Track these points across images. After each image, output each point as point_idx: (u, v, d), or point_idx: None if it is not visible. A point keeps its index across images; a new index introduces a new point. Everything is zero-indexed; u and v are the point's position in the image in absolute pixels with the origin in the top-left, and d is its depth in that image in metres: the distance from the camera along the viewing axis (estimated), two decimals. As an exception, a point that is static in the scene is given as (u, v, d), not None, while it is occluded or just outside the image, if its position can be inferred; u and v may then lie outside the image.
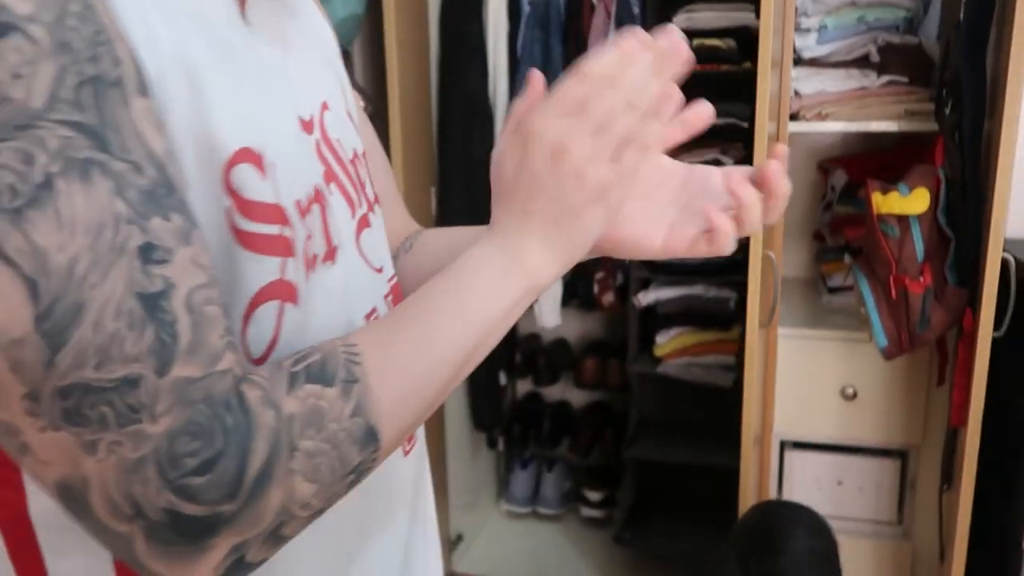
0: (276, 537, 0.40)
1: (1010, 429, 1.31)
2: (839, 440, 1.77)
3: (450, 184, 1.88)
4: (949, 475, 1.53)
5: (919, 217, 1.36)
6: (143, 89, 0.39)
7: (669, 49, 0.46)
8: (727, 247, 0.50)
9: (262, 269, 0.45)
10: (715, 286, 1.87)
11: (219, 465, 0.37)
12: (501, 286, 0.47)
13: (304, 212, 0.48)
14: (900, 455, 1.77)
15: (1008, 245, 1.43)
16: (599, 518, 2.26)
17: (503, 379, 2.23)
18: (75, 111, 0.35)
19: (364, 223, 0.57)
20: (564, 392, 2.38)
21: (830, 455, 1.80)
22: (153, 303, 0.37)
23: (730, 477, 1.60)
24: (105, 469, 0.36)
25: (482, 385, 2.15)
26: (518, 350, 2.23)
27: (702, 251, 0.51)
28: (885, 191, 1.40)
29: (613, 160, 0.46)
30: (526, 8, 1.85)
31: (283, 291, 0.46)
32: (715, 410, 2.07)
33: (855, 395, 1.72)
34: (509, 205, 0.49)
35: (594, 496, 2.26)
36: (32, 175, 0.34)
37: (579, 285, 2.04)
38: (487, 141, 1.88)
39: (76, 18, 0.36)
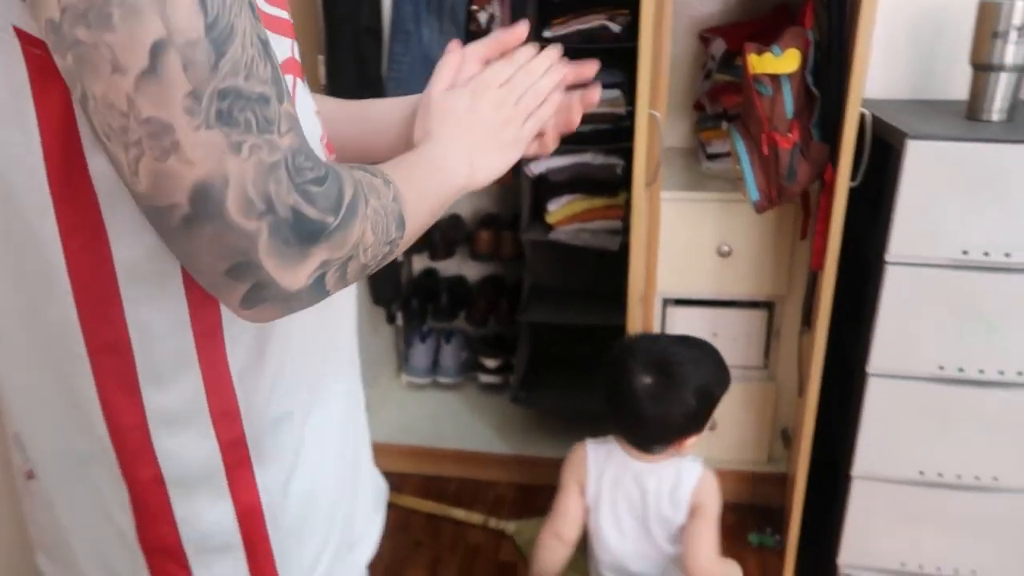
0: (343, 270, 0.50)
1: (859, 271, 1.47)
2: (715, 295, 1.92)
3: (338, 52, 1.82)
4: (808, 319, 1.70)
5: (790, 76, 1.45)
6: None
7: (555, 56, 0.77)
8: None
9: (280, 48, 0.52)
10: (603, 153, 1.93)
11: (327, 183, 0.47)
12: (455, 176, 0.65)
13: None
14: (767, 306, 1.95)
15: (870, 105, 1.55)
16: (496, 384, 2.38)
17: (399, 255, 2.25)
18: None
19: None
20: (460, 266, 2.43)
21: (707, 309, 1.95)
22: (265, 45, 0.45)
23: (618, 334, 1.71)
24: (247, 168, 0.43)
25: (378, 260, 2.17)
26: (413, 225, 2.25)
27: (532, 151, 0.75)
28: (760, 53, 1.47)
29: (524, 123, 0.71)
30: None
31: (295, 68, 0.57)
32: (604, 273, 2.18)
33: (729, 252, 1.85)
34: (455, 130, 0.68)
35: (491, 363, 2.37)
36: None
37: (472, 157, 2.06)
38: (374, 6, 1.82)
39: None
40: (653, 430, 1.22)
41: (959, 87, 1.58)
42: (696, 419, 1.23)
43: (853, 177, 1.40)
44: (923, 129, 1.30)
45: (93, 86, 0.41)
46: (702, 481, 1.25)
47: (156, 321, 0.52)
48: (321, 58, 1.83)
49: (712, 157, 2.00)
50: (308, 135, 0.55)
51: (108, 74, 0.40)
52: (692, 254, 1.88)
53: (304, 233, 0.45)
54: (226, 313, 0.54)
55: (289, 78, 0.53)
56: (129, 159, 0.42)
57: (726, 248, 1.85)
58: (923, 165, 1.27)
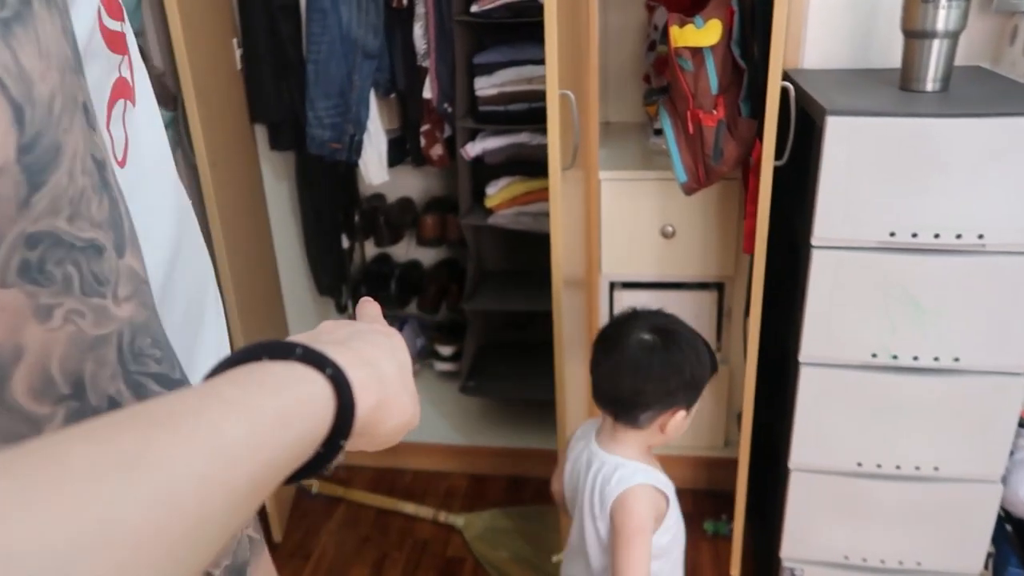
0: None
1: (790, 252, 1.39)
2: (662, 277, 1.85)
3: (253, 35, 1.74)
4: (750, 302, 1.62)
5: (712, 49, 1.36)
6: None
7: None
8: None
9: (110, 66, 0.42)
10: (541, 133, 1.85)
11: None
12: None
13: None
14: (717, 287, 1.87)
15: (802, 76, 1.46)
16: (451, 371, 2.32)
17: (345, 242, 2.19)
18: None
19: None
20: (410, 251, 2.36)
21: (655, 292, 1.88)
22: (103, 171, 0.33)
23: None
24: (55, 339, 0.31)
25: (319, 249, 2.10)
26: (357, 211, 2.18)
27: None
28: (683, 24, 1.38)
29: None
30: None
31: (126, 90, 0.44)
32: (549, 257, 2.11)
33: (674, 233, 1.77)
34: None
35: (445, 350, 2.31)
36: None
37: (407, 139, 1.98)
38: (291, -15, 1.73)
39: None
40: (640, 388, 1.13)
41: (900, 54, 1.49)
42: (684, 391, 1.16)
43: (779, 156, 1.32)
44: (845, 103, 1.21)
45: None
46: (624, 496, 1.15)
47: None
48: (236, 41, 1.74)
49: (658, 132, 1.91)
50: (156, 163, 0.47)
51: None
52: (635, 236, 1.80)
53: None
54: None
55: (122, 103, 0.43)
56: None
57: (670, 229, 1.77)
58: (844, 142, 1.18)
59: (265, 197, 1.89)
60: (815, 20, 1.53)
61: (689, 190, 1.47)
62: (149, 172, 0.46)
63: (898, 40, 1.43)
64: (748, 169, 1.55)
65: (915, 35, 1.27)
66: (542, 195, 1.89)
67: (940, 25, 1.24)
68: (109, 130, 0.42)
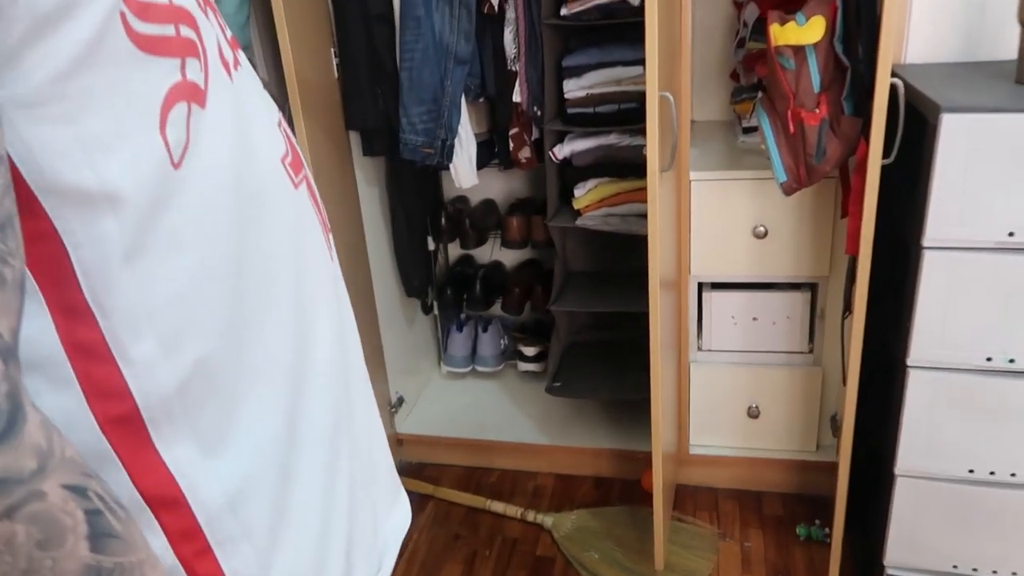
0: None
1: (900, 254, 1.35)
2: (753, 277, 1.82)
3: (350, 44, 1.79)
4: (850, 302, 1.59)
5: (815, 47, 1.33)
6: None
7: None
8: None
9: (162, 71, 0.43)
10: (629, 134, 1.85)
11: None
12: None
13: (204, 9, 0.48)
14: (810, 287, 1.83)
15: (908, 71, 1.42)
16: (536, 371, 2.34)
17: (431, 244, 2.23)
18: None
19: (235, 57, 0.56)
20: (494, 252, 2.39)
21: (745, 292, 1.86)
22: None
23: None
24: None
25: (408, 252, 2.15)
26: (443, 213, 2.22)
27: None
28: (783, 22, 1.36)
29: None
30: None
31: (188, 92, 0.46)
32: (637, 258, 2.10)
33: (766, 233, 1.75)
34: None
35: (529, 351, 2.33)
36: None
37: (495, 143, 2.01)
38: (385, -6, 1.77)
39: None
40: None
41: (1012, 46, 1.44)
42: None
43: (886, 154, 1.29)
44: (962, 100, 1.17)
45: None
46: None
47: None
48: (333, 51, 1.79)
49: (748, 131, 1.89)
50: (216, 168, 0.48)
51: None
52: (727, 236, 1.78)
53: None
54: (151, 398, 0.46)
55: (184, 105, 0.45)
56: None
57: (762, 229, 1.75)
58: (960, 139, 1.15)
59: (359, 202, 1.94)
60: (919, 12, 1.49)
61: (789, 190, 1.45)
62: (207, 176, 0.46)
63: (1010, 31, 1.38)
64: (845, 167, 1.52)
65: (1034, 26, 1.23)
66: (631, 196, 1.88)
67: (1062, 15, 1.19)
68: (164, 133, 0.43)
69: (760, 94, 1.82)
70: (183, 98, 0.45)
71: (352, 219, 1.93)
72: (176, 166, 0.44)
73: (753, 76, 1.86)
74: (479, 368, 2.37)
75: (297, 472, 0.54)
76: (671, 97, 1.35)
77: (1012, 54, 1.44)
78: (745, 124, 1.89)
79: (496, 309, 2.33)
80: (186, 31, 0.45)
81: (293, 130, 1.57)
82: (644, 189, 1.88)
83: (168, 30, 0.44)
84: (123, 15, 0.40)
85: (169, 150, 0.43)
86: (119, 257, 0.42)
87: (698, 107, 2.09)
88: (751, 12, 1.84)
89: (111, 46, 0.40)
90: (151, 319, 0.44)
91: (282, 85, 1.61)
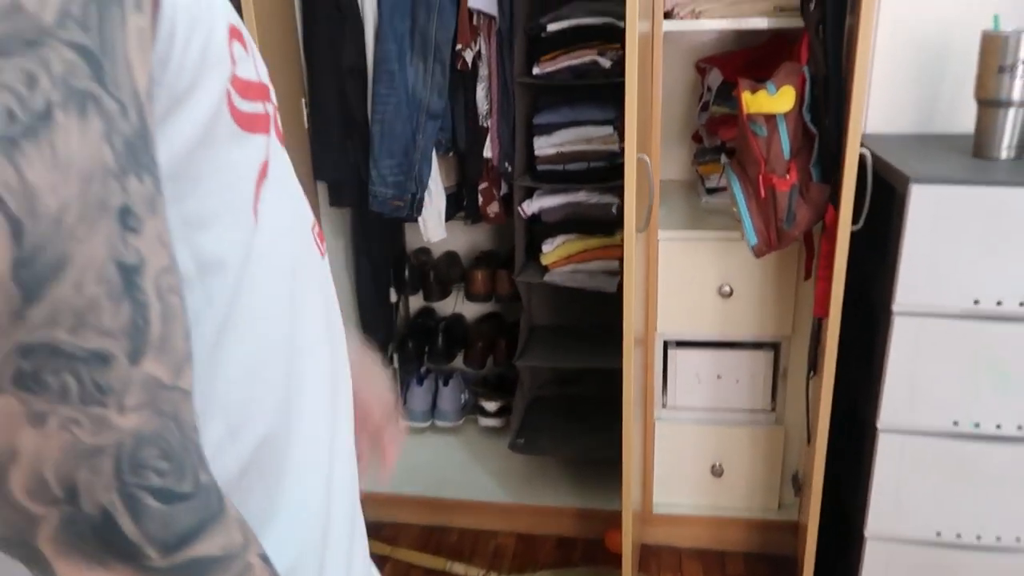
0: None
1: (866, 317, 1.39)
2: (718, 336, 1.84)
3: (321, 96, 1.78)
4: (815, 363, 1.61)
5: (785, 115, 1.38)
6: (139, 3, 0.33)
7: None
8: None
9: (255, 148, 0.43)
10: (597, 192, 1.87)
11: (177, 508, 0.34)
12: None
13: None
14: (772, 347, 1.86)
15: (868, 140, 1.48)
16: (497, 427, 2.30)
17: (393, 296, 2.20)
18: (81, 31, 0.30)
19: None
20: (457, 305, 2.37)
21: (710, 351, 1.87)
22: (129, 277, 0.32)
23: (618, 377, 1.64)
24: (48, 446, 0.31)
25: (371, 304, 2.11)
26: (407, 266, 2.19)
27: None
28: (754, 90, 1.40)
29: None
30: (389, -100, 1.71)
31: (264, 167, 0.45)
32: (603, 314, 2.11)
33: (731, 292, 1.78)
34: None
35: (491, 406, 2.30)
36: (33, 101, 0.29)
37: (464, 197, 2.00)
38: (358, 45, 1.77)
39: None
40: None
41: (964, 119, 1.51)
42: None
43: (855, 220, 1.33)
44: (927, 171, 1.22)
45: None
46: None
47: None
48: (304, 101, 1.78)
49: (712, 191, 1.93)
50: (291, 221, 0.47)
51: None
52: (693, 295, 1.80)
53: (110, 545, 0.33)
54: None
55: (250, 183, 0.43)
56: None
57: (727, 288, 1.78)
58: (928, 210, 1.19)
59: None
60: (878, 85, 1.56)
61: (760, 253, 1.47)
62: (274, 247, 0.46)
63: (963, 106, 1.45)
64: (809, 230, 1.56)
65: (990, 104, 1.29)
66: (599, 253, 1.90)
67: (1017, 95, 1.26)
68: (256, 210, 0.43)
69: (726, 157, 1.87)
70: (264, 175, 0.45)
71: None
72: (255, 240, 0.44)
73: (716, 139, 1.91)
74: (439, 423, 2.32)
75: (330, 540, 0.52)
76: (648, 159, 1.37)
77: (965, 128, 1.51)
78: (709, 185, 1.93)
79: (458, 362, 2.30)
80: (268, 106, 0.45)
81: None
82: (612, 247, 1.91)
83: (259, 107, 0.44)
84: (229, 94, 0.40)
85: (256, 225, 0.43)
86: (211, 337, 0.40)
87: (662, 167, 2.13)
88: (715, 77, 1.90)
89: (220, 126, 0.39)
90: (221, 399, 0.42)
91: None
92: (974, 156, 1.33)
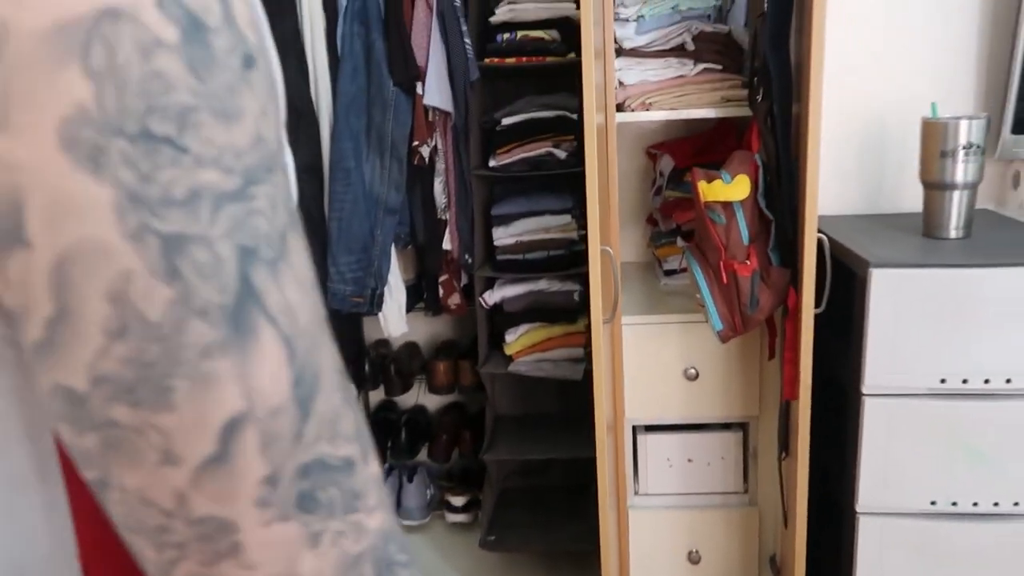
0: None
1: (837, 398, 1.39)
2: (686, 419, 1.83)
3: (275, 194, 1.75)
4: (786, 444, 1.61)
5: (742, 202, 1.41)
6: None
7: None
8: None
9: None
10: (559, 280, 1.87)
11: None
12: None
13: None
14: (741, 427, 1.86)
15: (822, 222, 1.52)
16: (465, 522, 2.23)
17: (352, 392, 2.13)
18: (282, 155, 0.32)
19: None
20: (419, 397, 2.32)
21: (679, 434, 1.86)
22: (344, 382, 0.33)
23: (588, 465, 1.60)
24: (324, 565, 0.32)
25: (330, 401, 2.04)
26: (366, 359, 2.14)
27: None
28: (709, 179, 1.43)
29: None
30: (342, 2, 1.74)
31: None
32: (570, 401, 2.09)
33: (697, 375, 1.77)
34: None
35: (458, 501, 2.22)
36: (277, 224, 0.30)
37: (424, 289, 1.98)
38: (313, 146, 1.77)
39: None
40: None
41: (909, 199, 1.56)
42: None
43: (817, 303, 1.35)
44: (885, 255, 1.25)
45: (125, 478, 0.29)
46: None
47: None
48: (259, 202, 1.75)
49: (669, 273, 1.95)
50: None
51: (154, 465, 0.29)
52: (659, 379, 1.80)
53: None
54: None
55: None
56: (162, 560, 0.30)
57: (693, 371, 1.77)
58: (889, 292, 1.21)
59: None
60: (825, 170, 1.61)
61: (726, 337, 1.48)
62: None
63: (907, 186, 1.50)
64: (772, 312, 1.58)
65: (935, 187, 1.34)
66: (562, 341, 1.88)
67: (960, 178, 1.31)
68: None
69: (684, 241, 1.90)
70: None
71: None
72: None
73: (671, 222, 1.94)
74: (404, 521, 2.23)
75: None
76: (611, 251, 1.38)
77: (910, 207, 1.56)
78: (667, 267, 1.95)
79: (422, 456, 2.24)
80: None
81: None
82: (575, 334, 1.90)
83: None
84: None
85: None
86: None
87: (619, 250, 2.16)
88: (666, 163, 1.95)
89: None
90: None
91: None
92: (924, 236, 1.37)
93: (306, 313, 0.31)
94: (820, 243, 1.34)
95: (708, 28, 1.68)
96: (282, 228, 0.30)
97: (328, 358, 0.32)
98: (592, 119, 1.32)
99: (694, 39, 1.68)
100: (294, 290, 0.30)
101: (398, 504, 2.23)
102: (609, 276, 1.40)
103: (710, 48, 1.69)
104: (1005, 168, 1.55)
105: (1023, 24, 1.41)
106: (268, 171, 0.30)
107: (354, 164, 1.72)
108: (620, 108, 1.73)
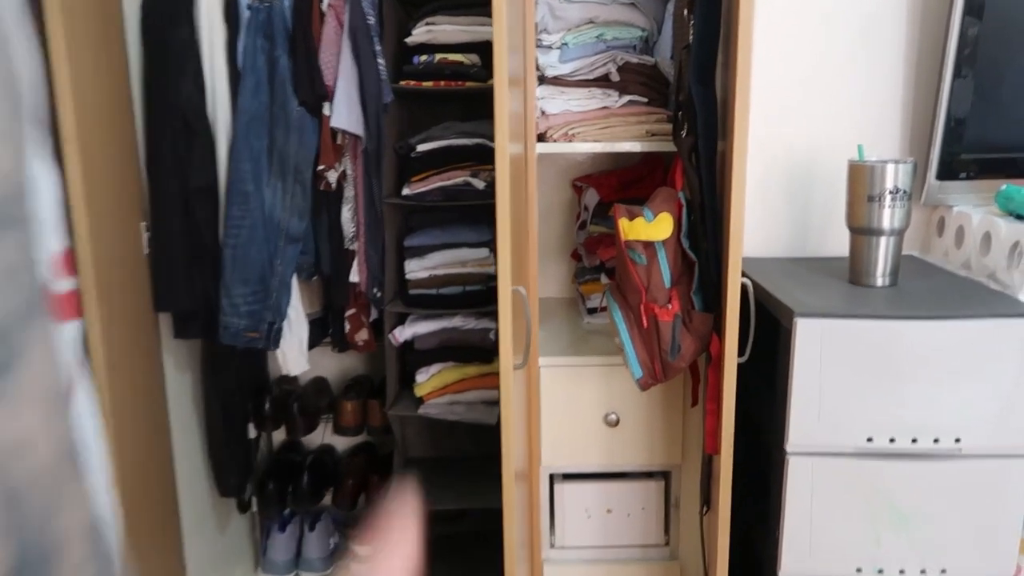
0: None
1: (760, 451, 1.31)
2: (605, 467, 1.73)
3: (165, 218, 1.60)
4: (708, 497, 1.52)
5: (664, 242, 1.32)
6: None
7: None
8: None
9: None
10: (474, 317, 1.75)
11: None
12: None
13: None
14: (663, 476, 1.77)
15: (748, 265, 1.45)
16: (371, 573, 2.07)
17: (252, 432, 1.97)
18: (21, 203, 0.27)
19: None
20: (325, 437, 2.16)
21: (598, 483, 1.75)
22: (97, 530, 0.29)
23: (500, 516, 1.48)
24: None
25: (225, 447, 1.87)
26: (268, 397, 1.98)
27: None
28: (631, 216, 1.35)
29: None
30: (245, 13, 1.61)
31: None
32: (484, 443, 1.97)
33: (618, 421, 1.68)
34: None
35: (365, 550, 2.06)
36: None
37: (329, 323, 1.84)
38: (207, 164, 1.62)
39: None
40: None
41: (835, 243, 1.51)
42: None
43: (740, 352, 1.27)
44: (810, 302, 1.18)
45: None
46: None
47: None
48: (144, 225, 1.59)
49: (593, 311, 1.86)
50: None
51: None
52: (578, 424, 1.69)
53: None
54: None
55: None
56: None
57: (613, 417, 1.68)
58: (814, 344, 1.14)
59: (165, 393, 1.67)
60: (751, 211, 1.55)
61: (645, 385, 1.39)
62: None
63: (834, 230, 1.44)
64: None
65: (862, 232, 1.28)
66: (477, 383, 1.77)
67: (887, 224, 1.25)
68: None
69: (608, 280, 1.81)
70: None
71: (155, 413, 1.65)
72: None
73: (596, 258, 1.86)
74: (304, 574, 2.06)
75: None
76: (524, 291, 1.27)
77: (836, 251, 1.51)
78: (590, 304, 1.86)
79: (326, 502, 2.07)
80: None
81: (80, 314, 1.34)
82: (490, 375, 1.79)
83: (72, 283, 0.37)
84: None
85: None
86: None
87: (540, 284, 2.06)
88: (591, 196, 1.87)
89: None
90: None
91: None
92: (851, 282, 1.31)
93: (44, 452, 0.23)
94: (744, 288, 1.26)
95: (634, 59, 1.62)
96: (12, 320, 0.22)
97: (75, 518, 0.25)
98: (505, 148, 1.22)
99: (619, 69, 1.61)
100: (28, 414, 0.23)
101: (298, 554, 2.06)
102: (522, 318, 1.30)
103: (636, 79, 1.62)
104: (930, 214, 1.52)
105: (948, 67, 1.38)
106: None
107: (253, 187, 1.58)
108: (542, 138, 1.64)
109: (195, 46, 1.62)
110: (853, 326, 1.13)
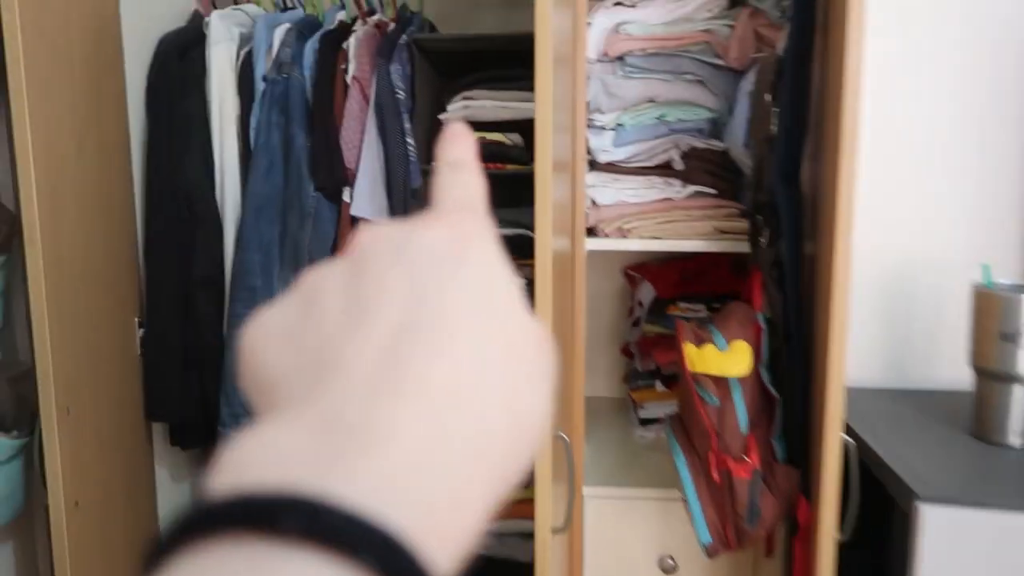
0: None
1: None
2: (659, 615, 1.47)
3: (162, 312, 1.41)
4: (786, 677, 1.25)
5: (741, 379, 1.08)
6: None
7: None
8: None
9: None
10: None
11: None
12: None
13: None
14: (727, 628, 1.50)
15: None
16: None
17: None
18: None
19: None
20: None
21: (650, 632, 1.49)
22: None
23: None
24: None
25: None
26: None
27: None
28: (699, 341, 1.11)
29: None
30: (260, 85, 1.44)
31: None
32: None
33: (675, 567, 1.42)
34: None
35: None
36: None
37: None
38: (214, 253, 1.43)
39: None
40: None
41: (944, 372, 1.25)
42: None
43: (839, 526, 1.01)
44: (934, 478, 0.92)
45: None
46: None
47: None
48: (138, 321, 1.41)
49: (646, 423, 1.61)
50: None
51: None
52: (626, 567, 1.44)
53: None
54: None
55: None
56: None
57: (670, 561, 1.42)
58: (943, 536, 0.88)
59: (156, 508, 1.47)
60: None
61: (714, 552, 1.13)
62: None
63: (941, 356, 1.19)
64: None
65: (992, 377, 1.02)
66: (511, 511, 1.53)
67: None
68: None
69: (659, 384, 1.57)
70: None
71: (142, 532, 1.45)
72: None
73: (651, 361, 1.62)
74: None
75: None
76: (568, 440, 1.04)
77: (942, 381, 1.25)
78: (644, 415, 1.62)
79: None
80: None
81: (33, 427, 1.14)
82: (527, 500, 1.55)
83: None
84: None
85: None
86: None
87: (586, 382, 1.82)
88: (647, 291, 1.63)
89: None
90: None
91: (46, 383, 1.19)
92: (976, 437, 1.05)
93: None
94: (845, 447, 1.01)
95: (700, 144, 1.39)
96: None
97: None
98: (548, 243, 1.00)
99: (683, 156, 1.39)
100: None
101: None
102: (563, 471, 1.06)
103: (702, 168, 1.39)
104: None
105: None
106: None
107: (261, 282, 1.39)
108: (592, 232, 1.42)
109: (204, 120, 1.45)
110: (987, 517, 0.87)
